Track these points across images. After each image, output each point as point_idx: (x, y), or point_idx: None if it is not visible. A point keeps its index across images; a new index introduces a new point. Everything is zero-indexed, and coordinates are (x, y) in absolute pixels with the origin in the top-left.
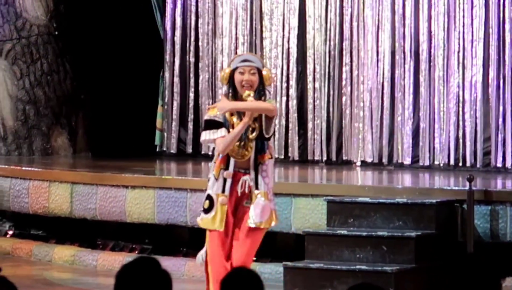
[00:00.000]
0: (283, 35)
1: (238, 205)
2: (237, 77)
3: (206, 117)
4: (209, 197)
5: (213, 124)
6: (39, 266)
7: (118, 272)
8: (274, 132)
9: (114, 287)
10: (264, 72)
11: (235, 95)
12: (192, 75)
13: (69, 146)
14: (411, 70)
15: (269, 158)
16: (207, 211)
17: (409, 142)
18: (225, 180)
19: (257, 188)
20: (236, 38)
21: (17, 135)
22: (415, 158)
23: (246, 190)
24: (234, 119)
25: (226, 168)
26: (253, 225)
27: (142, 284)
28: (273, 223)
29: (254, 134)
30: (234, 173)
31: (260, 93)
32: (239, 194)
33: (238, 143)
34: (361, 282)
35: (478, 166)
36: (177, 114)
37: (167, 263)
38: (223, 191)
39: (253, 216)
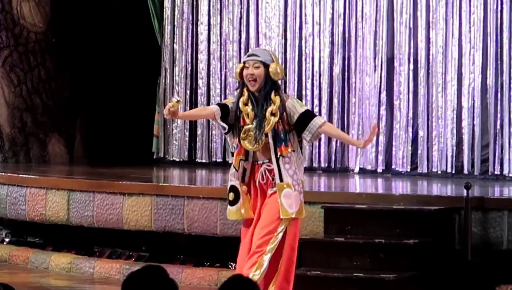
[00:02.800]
0: (284, 42)
1: (261, 196)
2: (244, 71)
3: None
4: (233, 189)
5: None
6: (36, 273)
7: (125, 280)
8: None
9: None
10: (270, 68)
11: (246, 89)
12: (189, 82)
13: (66, 153)
14: (410, 77)
15: (292, 150)
16: (233, 203)
17: (407, 150)
18: (245, 170)
19: (281, 180)
20: (239, 44)
21: (14, 142)
22: (412, 166)
23: (265, 179)
24: (248, 109)
25: (246, 159)
26: (287, 217)
27: None
28: (303, 214)
29: (268, 126)
30: (252, 165)
31: (272, 87)
32: (257, 183)
33: (252, 133)
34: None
35: (476, 173)
36: (175, 122)
37: None
38: (243, 181)
39: (286, 207)
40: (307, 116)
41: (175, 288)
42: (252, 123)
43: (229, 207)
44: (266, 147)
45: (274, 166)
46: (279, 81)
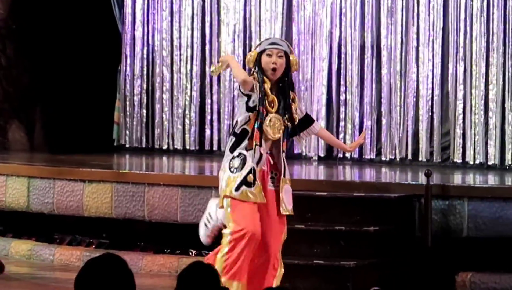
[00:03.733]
0: (244, 28)
1: (265, 185)
2: (265, 59)
3: None
4: (252, 171)
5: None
6: None
7: (84, 265)
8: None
9: (76, 279)
10: (291, 57)
11: (262, 78)
12: (150, 69)
13: (27, 140)
14: (373, 64)
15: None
16: (251, 184)
17: (368, 137)
18: (260, 155)
19: (284, 175)
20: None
21: None
22: (373, 153)
23: (269, 168)
24: (274, 98)
25: (261, 145)
26: (286, 213)
27: (105, 281)
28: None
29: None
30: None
31: (288, 80)
32: (265, 170)
33: (278, 122)
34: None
35: (436, 161)
36: (134, 108)
37: (125, 257)
38: (257, 164)
39: (285, 204)
40: (310, 118)
41: (131, 280)
42: (277, 112)
43: (243, 187)
44: (277, 140)
45: (281, 160)
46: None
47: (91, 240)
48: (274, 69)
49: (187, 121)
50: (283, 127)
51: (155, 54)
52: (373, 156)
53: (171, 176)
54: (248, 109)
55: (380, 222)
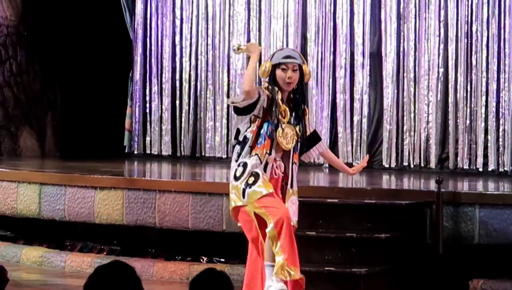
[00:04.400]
0: (259, 37)
1: (277, 193)
2: (279, 74)
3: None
4: (254, 174)
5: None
6: (7, 267)
7: (92, 273)
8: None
9: (85, 286)
10: (304, 67)
11: (276, 90)
12: (160, 76)
13: (38, 147)
14: (382, 71)
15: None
16: (253, 184)
17: (379, 144)
18: (267, 163)
19: (291, 186)
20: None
21: None
22: (385, 160)
23: (278, 174)
24: (287, 109)
25: (270, 153)
26: (292, 224)
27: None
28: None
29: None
30: (274, 160)
31: (300, 92)
32: (275, 178)
33: (291, 132)
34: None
35: (447, 168)
36: (146, 116)
37: (136, 264)
38: (265, 171)
39: (291, 215)
40: (317, 135)
41: (139, 286)
42: (289, 122)
43: (247, 189)
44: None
45: (289, 171)
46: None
47: (102, 247)
48: (288, 83)
49: (198, 128)
50: (295, 137)
51: (166, 61)
52: (385, 163)
53: (182, 183)
54: (251, 117)
55: (391, 229)
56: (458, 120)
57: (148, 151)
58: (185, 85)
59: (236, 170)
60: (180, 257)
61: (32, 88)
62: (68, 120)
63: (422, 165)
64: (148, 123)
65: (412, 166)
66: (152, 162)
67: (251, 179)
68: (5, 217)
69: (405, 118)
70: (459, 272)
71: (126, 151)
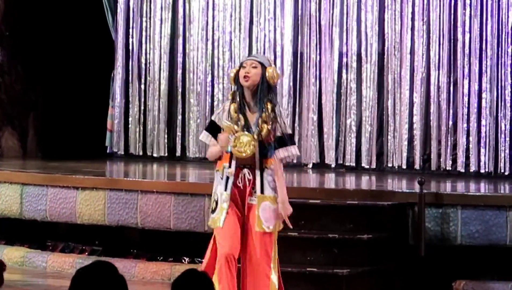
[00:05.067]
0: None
1: (245, 201)
2: (240, 72)
3: (212, 116)
4: (215, 200)
5: (212, 127)
6: None
7: (74, 276)
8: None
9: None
10: (268, 70)
11: (241, 93)
12: (142, 77)
13: (20, 147)
14: (366, 73)
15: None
16: (213, 211)
17: (361, 145)
18: (227, 178)
19: (262, 192)
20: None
21: None
22: (366, 161)
23: (247, 184)
24: (240, 116)
25: (229, 166)
26: (259, 230)
27: (98, 288)
28: (280, 226)
29: (264, 134)
30: (236, 169)
31: (267, 91)
32: (241, 187)
33: (245, 140)
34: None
35: (429, 169)
36: (127, 116)
37: (118, 264)
38: (225, 189)
39: (262, 221)
40: (290, 138)
41: (124, 284)
42: (242, 130)
43: (211, 215)
44: (252, 155)
45: (257, 177)
46: (275, 88)
47: (84, 247)
48: (245, 77)
49: (180, 128)
50: (254, 142)
51: (147, 61)
52: (367, 164)
53: (164, 183)
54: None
55: (374, 230)
56: (440, 121)
57: (130, 152)
58: (167, 85)
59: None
60: (162, 258)
61: (14, 89)
62: (50, 121)
63: (404, 166)
64: (129, 124)
65: (394, 167)
66: (134, 163)
67: (213, 205)
68: None
69: (388, 119)
70: (441, 273)
71: (108, 151)
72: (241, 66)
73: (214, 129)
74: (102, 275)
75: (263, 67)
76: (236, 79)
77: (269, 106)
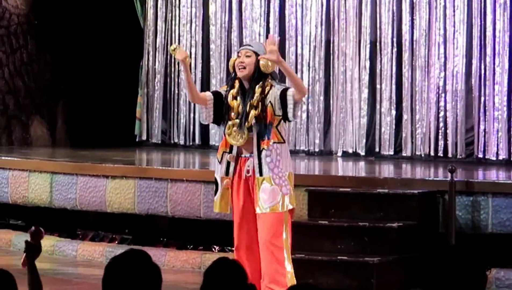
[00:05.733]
0: (267, 25)
1: (248, 189)
2: (236, 62)
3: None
4: (215, 181)
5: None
6: (18, 256)
7: (108, 264)
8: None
9: (103, 279)
10: (262, 60)
11: (238, 82)
12: (171, 65)
13: (49, 136)
14: (393, 60)
15: (276, 142)
16: (215, 194)
17: (390, 133)
18: (228, 163)
19: (261, 174)
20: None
21: None
22: (397, 149)
23: (250, 173)
24: (235, 103)
25: (230, 151)
26: (259, 212)
27: (132, 277)
28: (285, 208)
29: (248, 121)
30: (238, 157)
31: (261, 79)
32: (243, 177)
33: (235, 128)
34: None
35: (459, 156)
36: (157, 104)
37: (148, 253)
38: (227, 173)
39: (261, 202)
40: (284, 93)
41: (158, 273)
42: (237, 118)
43: (214, 198)
44: (250, 141)
45: (255, 160)
46: (275, 73)
47: (113, 236)
48: (239, 67)
49: None
50: (245, 131)
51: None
52: (397, 152)
53: (194, 171)
54: (218, 118)
55: (404, 218)
56: (471, 109)
57: (159, 140)
58: (198, 74)
59: None
60: (192, 246)
61: (43, 77)
62: (79, 109)
63: (434, 154)
64: (159, 112)
65: (424, 155)
66: (163, 151)
67: (214, 188)
68: (16, 206)
69: (417, 107)
70: (472, 261)
71: (137, 140)
72: (237, 55)
73: (218, 95)
74: (136, 263)
75: (257, 56)
76: (233, 68)
77: (258, 91)
